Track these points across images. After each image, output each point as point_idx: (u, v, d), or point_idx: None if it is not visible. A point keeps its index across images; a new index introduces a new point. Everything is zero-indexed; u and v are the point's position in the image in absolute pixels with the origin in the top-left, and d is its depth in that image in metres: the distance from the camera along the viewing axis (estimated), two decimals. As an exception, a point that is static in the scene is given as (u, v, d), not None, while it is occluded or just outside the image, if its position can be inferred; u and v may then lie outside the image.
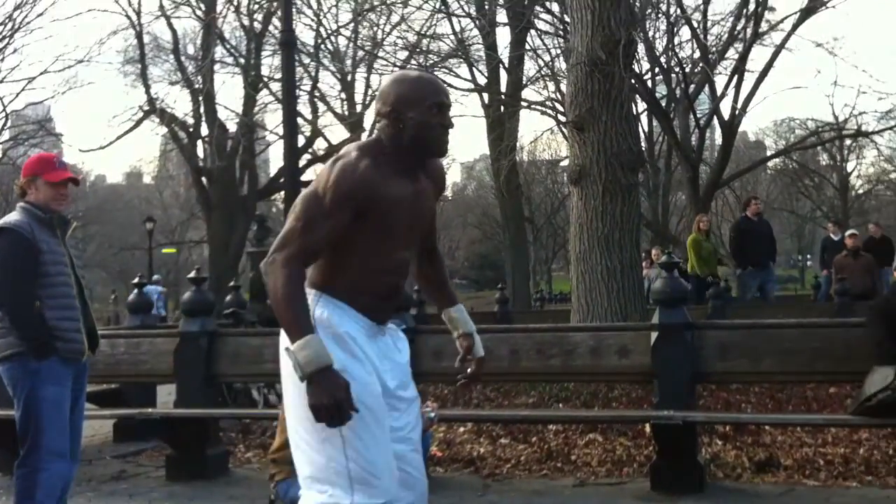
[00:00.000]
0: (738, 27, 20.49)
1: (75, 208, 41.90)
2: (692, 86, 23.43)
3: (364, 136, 28.09)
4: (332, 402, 2.41)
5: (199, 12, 26.32)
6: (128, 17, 27.76)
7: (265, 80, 27.32)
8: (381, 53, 22.33)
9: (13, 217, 4.04)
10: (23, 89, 42.04)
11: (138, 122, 28.03)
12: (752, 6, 19.28)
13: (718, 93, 22.55)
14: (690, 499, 4.68)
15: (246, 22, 26.22)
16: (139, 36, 28.59)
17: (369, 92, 29.06)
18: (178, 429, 5.51)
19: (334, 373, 2.44)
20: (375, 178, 2.60)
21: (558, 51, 17.53)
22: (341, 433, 2.50)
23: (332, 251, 2.63)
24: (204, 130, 29.85)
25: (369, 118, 28.41)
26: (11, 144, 39.48)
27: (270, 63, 27.31)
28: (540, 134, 66.65)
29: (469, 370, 3.08)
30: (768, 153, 39.09)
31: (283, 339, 2.61)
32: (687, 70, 21.68)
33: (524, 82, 21.49)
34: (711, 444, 5.79)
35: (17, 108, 38.37)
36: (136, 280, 8.38)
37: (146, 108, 28.05)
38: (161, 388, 7.58)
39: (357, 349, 2.61)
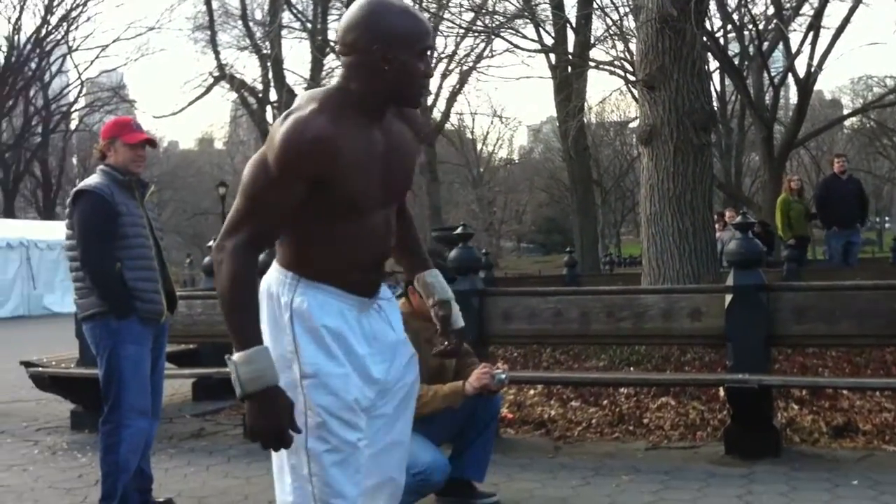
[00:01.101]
0: (814, -19, 19.85)
1: (150, 173, 42.82)
2: (766, 43, 22.81)
3: (429, 100, 28.16)
4: (272, 427, 2.10)
5: (266, -22, 26.44)
6: (197, -17, 28.01)
7: (332, 44, 27.38)
8: (445, 15, 22.15)
9: (93, 180, 4.11)
10: (97, 57, 43.20)
11: (209, 88, 28.45)
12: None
13: (793, 50, 21.93)
14: (766, 463, 4.62)
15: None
16: (208, 2, 29.00)
17: (435, 55, 28.94)
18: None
19: (278, 393, 2.11)
20: (334, 136, 2.16)
21: (627, 9, 17.13)
22: (306, 448, 2.25)
23: (302, 225, 2.25)
24: (273, 95, 30.20)
25: (435, 81, 28.38)
26: (87, 111, 40.53)
27: (337, 27, 27.34)
28: (608, 94, 65.77)
29: (446, 344, 2.66)
30: (845, 112, 37.90)
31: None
32: (760, 27, 21.09)
33: (592, 42, 21.14)
34: (787, 409, 5.69)
35: (92, 75, 39.39)
36: (210, 243, 8.56)
37: (216, 74, 28.44)
38: (236, 349, 7.72)
39: (336, 346, 2.28)
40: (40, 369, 6.33)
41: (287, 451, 2.23)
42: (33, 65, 35.25)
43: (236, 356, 2.12)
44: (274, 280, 2.33)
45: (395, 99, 2.28)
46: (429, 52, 2.29)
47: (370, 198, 2.27)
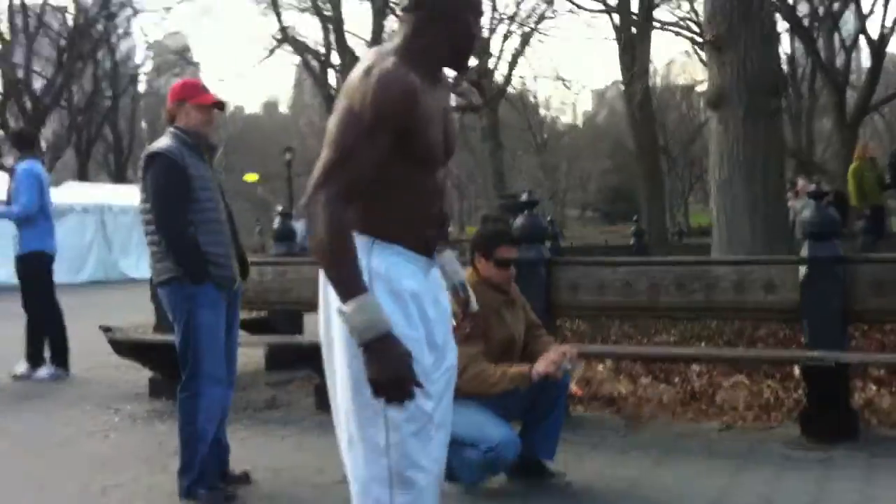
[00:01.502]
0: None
1: (217, 137, 43.35)
2: (836, 3, 22.09)
3: (491, 63, 27.89)
4: (395, 375, 2.10)
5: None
6: (259, -57, 28.11)
7: (392, 4, 27.27)
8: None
9: (163, 142, 4.07)
10: (162, 19, 43.59)
11: (272, 51, 28.66)
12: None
13: (864, 11, 21.24)
14: (844, 446, 4.52)
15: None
16: (269, -38, 28.98)
17: (495, 16, 28.64)
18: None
19: (395, 341, 2.12)
20: (418, 89, 2.23)
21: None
22: (385, 416, 2.23)
23: (376, 184, 2.25)
24: (335, 59, 30.23)
25: (496, 44, 28.07)
26: (154, 75, 41.14)
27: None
28: (675, 56, 64.50)
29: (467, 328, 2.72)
30: (922, 74, 36.57)
31: (330, 294, 2.28)
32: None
33: (657, 2, 20.69)
34: (865, 389, 5.57)
35: (158, 38, 39.91)
36: (279, 209, 8.65)
37: (279, 37, 28.54)
38: (307, 318, 7.78)
39: (414, 309, 2.30)
40: (119, 335, 6.47)
41: (362, 422, 2.24)
42: (100, 27, 35.75)
43: (347, 306, 2.12)
44: None
45: (453, 56, 2.37)
46: (481, 15, 2.42)
47: (439, 150, 2.36)
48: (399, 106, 2.19)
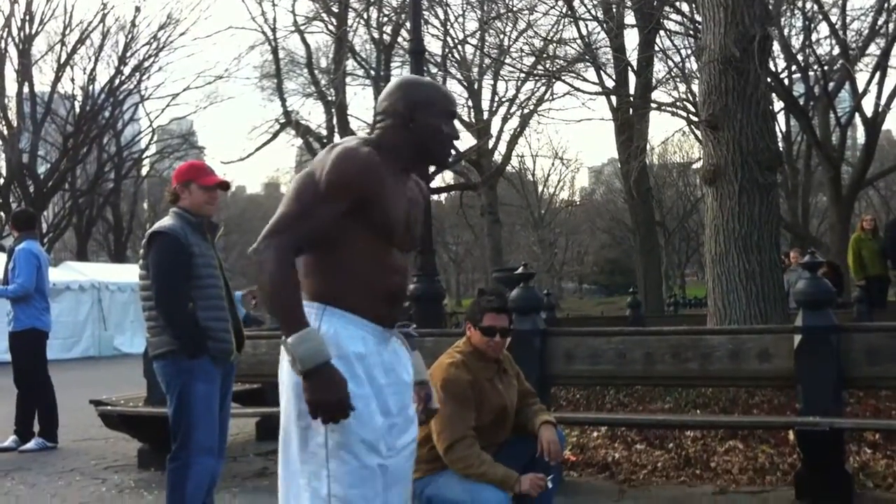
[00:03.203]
0: (880, 22, 19.59)
1: (218, 217, 43.63)
2: (832, 83, 22.50)
3: (490, 143, 28.31)
4: (331, 398, 2.26)
5: (331, 27, 26.99)
6: (263, 33, 28.83)
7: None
8: (507, 60, 22.35)
9: (167, 222, 4.20)
10: (167, 105, 44.52)
11: (275, 135, 28.99)
12: (893, 1, 18.42)
13: (860, 89, 21.60)
14: (839, 508, 4.47)
15: (376, 35, 26.76)
16: (275, 51, 29.65)
17: (496, 99, 29.18)
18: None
19: (334, 369, 2.29)
20: (379, 166, 2.44)
21: (688, 51, 17.14)
22: (328, 468, 2.36)
23: (333, 252, 2.44)
24: (337, 140, 30.63)
25: (496, 125, 28.58)
26: (158, 158, 41.70)
27: (400, 73, 27.79)
28: (671, 134, 65.35)
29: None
30: (916, 151, 36.98)
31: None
32: (826, 67, 20.83)
33: (654, 84, 21.08)
34: (860, 453, 5.52)
35: (163, 123, 40.57)
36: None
37: (282, 120, 28.99)
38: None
39: (361, 371, 2.42)
40: (109, 408, 6.45)
41: (307, 474, 2.36)
42: (107, 113, 36.40)
43: (291, 338, 2.29)
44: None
45: (423, 155, 2.59)
46: (453, 116, 2.62)
47: (399, 231, 2.51)
48: (357, 176, 2.40)
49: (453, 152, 2.70)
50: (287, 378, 2.45)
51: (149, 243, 4.17)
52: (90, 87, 35.61)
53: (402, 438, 2.53)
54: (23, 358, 7.58)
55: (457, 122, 2.65)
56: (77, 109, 35.59)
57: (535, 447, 3.90)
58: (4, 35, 33.14)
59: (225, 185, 4.38)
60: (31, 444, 7.43)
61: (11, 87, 33.51)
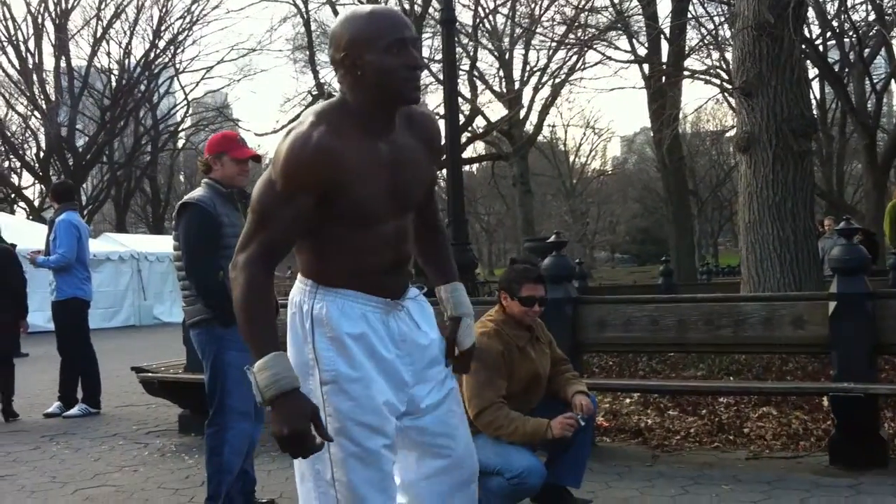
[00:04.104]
0: (919, -16, 19.15)
1: (250, 187, 43.87)
2: (867, 49, 22.11)
3: (522, 113, 28.19)
4: (294, 431, 2.08)
5: (362, -2, 26.93)
6: (295, 4, 28.86)
7: (425, 61, 27.68)
8: (538, 29, 22.19)
9: (197, 193, 4.27)
10: (202, 78, 44.71)
11: (308, 106, 29.03)
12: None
13: (896, 55, 21.22)
14: (872, 474, 4.48)
15: (407, 5, 26.63)
16: (307, 23, 29.68)
17: (527, 69, 29.01)
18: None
19: (299, 398, 2.11)
20: (334, 148, 2.18)
21: (722, 18, 16.89)
22: (329, 453, 2.25)
23: (317, 234, 2.28)
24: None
25: (527, 95, 28.44)
26: (193, 131, 41.99)
27: (430, 44, 27.69)
28: (704, 102, 64.63)
29: (453, 363, 2.60)
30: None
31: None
32: (861, 33, 20.45)
33: (686, 51, 20.84)
34: (895, 419, 5.51)
35: (198, 96, 40.83)
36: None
37: (315, 92, 29.05)
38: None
39: (358, 351, 2.29)
40: (150, 375, 6.57)
41: (312, 458, 2.21)
42: (143, 87, 36.68)
43: (255, 365, 2.13)
44: (296, 290, 2.38)
45: (384, 99, 2.25)
46: (403, 42, 2.22)
47: (378, 207, 2.28)
48: (311, 167, 2.17)
49: (421, 90, 2.28)
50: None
51: (179, 215, 4.25)
52: (126, 61, 35.89)
53: (428, 399, 2.44)
54: (66, 327, 7.77)
55: (383, 52, 2.21)
56: (113, 83, 35.89)
57: (568, 409, 3.93)
58: (41, 10, 33.51)
59: (257, 158, 4.43)
60: (74, 410, 7.63)
61: (49, 61, 33.94)
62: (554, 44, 22.32)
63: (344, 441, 2.25)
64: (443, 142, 2.70)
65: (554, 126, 44.48)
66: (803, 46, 11.02)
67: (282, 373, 2.11)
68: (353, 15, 2.26)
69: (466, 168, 34.02)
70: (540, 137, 34.39)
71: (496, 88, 29.32)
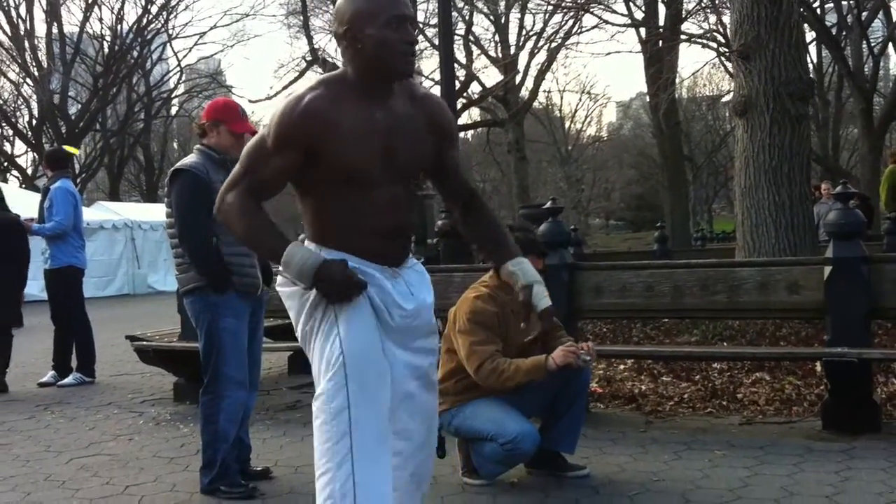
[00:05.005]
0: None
1: (244, 155, 43.64)
2: (865, 12, 21.96)
3: (517, 79, 28.00)
4: (340, 283, 2.35)
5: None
6: (290, -31, 28.44)
7: (420, 26, 27.47)
8: (534, -8, 22.02)
9: (190, 159, 4.24)
10: (195, 44, 44.45)
11: (302, 73, 28.87)
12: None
13: (894, 18, 21.05)
14: (866, 439, 4.49)
15: (401, -32, 26.37)
16: (301, -12, 29.34)
17: (523, 34, 28.80)
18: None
19: (325, 262, 2.37)
20: (323, 109, 2.37)
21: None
22: (347, 386, 2.37)
23: (318, 199, 2.47)
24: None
25: (523, 60, 28.26)
26: (186, 97, 41.74)
27: (426, 9, 27.47)
28: (701, 66, 64.33)
29: (535, 329, 2.75)
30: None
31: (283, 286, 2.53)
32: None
33: (684, 15, 20.69)
34: (888, 384, 5.53)
35: (191, 62, 40.55)
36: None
37: (309, 58, 28.84)
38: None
39: (363, 296, 2.44)
40: (144, 343, 6.56)
41: (334, 401, 2.37)
42: (135, 53, 36.38)
43: (281, 264, 2.38)
44: None
45: (381, 70, 2.42)
46: (402, 19, 2.41)
47: (370, 169, 2.42)
48: (296, 128, 2.37)
49: (414, 61, 2.60)
50: (287, 300, 2.53)
51: (171, 181, 4.21)
52: (118, 27, 35.61)
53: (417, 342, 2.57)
54: (60, 295, 7.72)
55: (382, 27, 2.40)
56: (106, 50, 35.60)
57: (563, 375, 3.93)
58: (31, -25, 33.11)
59: (254, 133, 4.38)
60: (69, 379, 7.61)
61: (41, 28, 33.72)
62: (550, 7, 22.14)
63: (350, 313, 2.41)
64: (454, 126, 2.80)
65: (549, 92, 44.28)
66: (801, 9, 10.93)
67: (303, 256, 2.38)
68: None
69: (462, 135, 33.86)
70: (535, 104, 34.25)
71: (492, 54, 29.17)
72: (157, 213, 22.02)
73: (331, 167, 2.40)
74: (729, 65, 13.91)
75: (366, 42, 2.38)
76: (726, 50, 11.52)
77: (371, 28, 2.38)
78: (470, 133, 40.19)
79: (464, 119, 28.98)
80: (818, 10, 19.99)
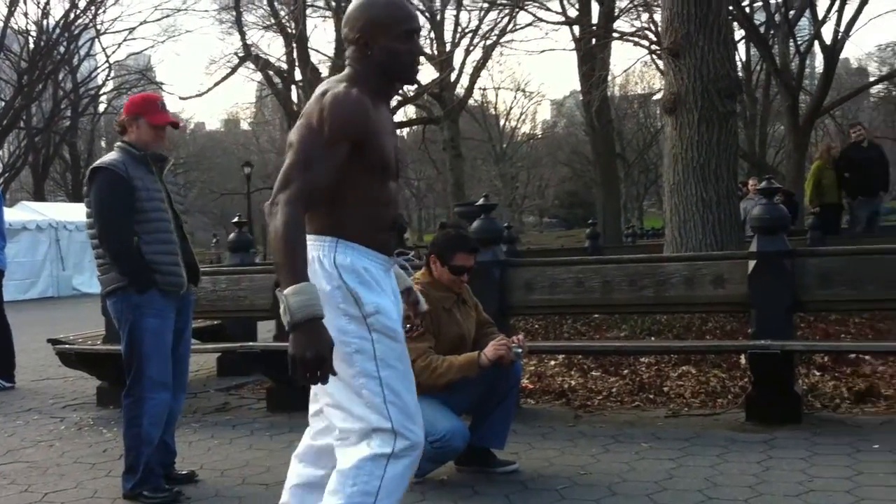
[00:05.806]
0: (841, -54, 19.53)
1: (177, 155, 43.13)
2: (792, 11, 22.50)
3: (453, 76, 28.03)
4: (318, 355, 2.24)
5: (290, -44, 26.42)
6: (219, -37, 28.00)
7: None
8: (469, -11, 22.07)
9: (109, 157, 4.14)
10: (124, 40, 43.49)
11: (234, 69, 28.53)
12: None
13: (820, 17, 21.61)
14: (787, 429, 4.59)
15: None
16: (232, -18, 28.93)
17: (458, 30, 28.85)
18: (278, 362, 5.60)
19: (323, 327, 2.28)
20: (369, 106, 2.48)
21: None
22: (379, 375, 2.45)
23: (336, 191, 2.50)
24: (297, 75, 30.21)
25: (458, 57, 28.28)
26: (115, 94, 40.89)
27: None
28: (633, 63, 65.19)
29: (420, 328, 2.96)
30: (871, 80, 37.24)
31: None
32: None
33: (616, 13, 20.94)
34: (809, 376, 5.66)
35: (120, 58, 39.73)
36: (235, 220, 8.58)
37: (241, 54, 28.48)
38: (261, 325, 7.79)
39: (376, 284, 2.54)
40: (67, 347, 6.39)
41: (363, 380, 2.44)
42: (62, 49, 35.49)
43: (287, 289, 2.29)
44: (313, 248, 2.49)
45: (388, 79, 2.59)
46: (413, 33, 2.58)
47: (392, 162, 2.57)
48: (352, 119, 2.43)
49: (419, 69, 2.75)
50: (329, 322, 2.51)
51: (90, 180, 4.11)
52: (44, 22, 34.72)
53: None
54: (-23, 298, 7.47)
55: (395, 38, 2.55)
56: (31, 45, 34.64)
57: (494, 372, 3.94)
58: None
59: (175, 125, 4.30)
60: (-14, 385, 7.37)
61: (-38, 22, 32.54)
62: (485, 4, 22.23)
63: (395, 362, 2.49)
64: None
65: (485, 89, 44.48)
66: (730, 7, 11.13)
67: (314, 300, 2.28)
68: (373, 2, 2.56)
69: (397, 132, 33.80)
70: (471, 101, 34.34)
71: (427, 51, 29.09)
72: (82, 213, 21.25)
73: (370, 157, 2.49)
74: (660, 62, 14.12)
75: (376, 51, 2.54)
76: (657, 47, 11.70)
77: (384, 39, 2.53)
78: (405, 130, 40.16)
79: (399, 116, 28.95)
80: (747, 9, 20.41)
